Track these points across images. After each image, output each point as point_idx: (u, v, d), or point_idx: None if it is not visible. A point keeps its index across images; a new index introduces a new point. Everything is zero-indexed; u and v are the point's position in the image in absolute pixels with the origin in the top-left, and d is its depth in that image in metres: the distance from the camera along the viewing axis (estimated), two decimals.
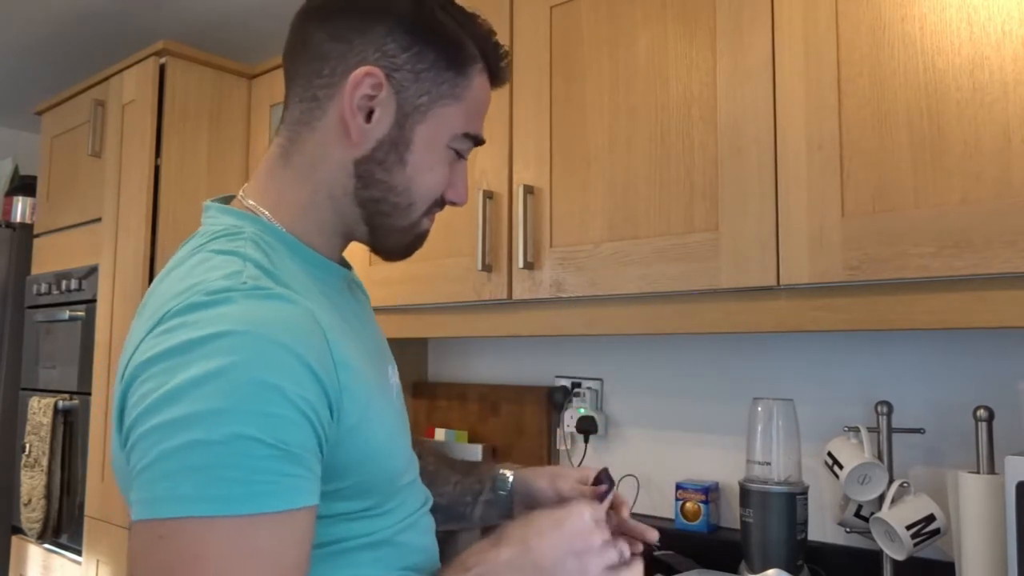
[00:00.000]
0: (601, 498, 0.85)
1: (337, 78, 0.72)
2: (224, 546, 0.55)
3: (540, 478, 0.96)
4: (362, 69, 0.70)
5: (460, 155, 0.78)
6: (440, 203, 0.80)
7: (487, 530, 0.80)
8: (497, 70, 0.78)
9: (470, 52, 0.75)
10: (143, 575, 0.56)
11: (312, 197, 0.74)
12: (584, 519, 0.69)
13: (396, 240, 0.79)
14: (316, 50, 0.74)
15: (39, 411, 2.37)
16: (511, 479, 0.98)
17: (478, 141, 0.79)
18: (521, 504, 0.96)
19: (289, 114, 0.77)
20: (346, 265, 0.83)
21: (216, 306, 0.60)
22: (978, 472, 1.20)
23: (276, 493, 0.56)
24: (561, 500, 0.90)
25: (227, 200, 0.77)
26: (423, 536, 0.79)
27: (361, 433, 0.67)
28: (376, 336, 0.88)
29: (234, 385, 0.56)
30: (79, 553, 2.26)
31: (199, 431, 0.55)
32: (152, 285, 0.70)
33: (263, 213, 0.73)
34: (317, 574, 0.64)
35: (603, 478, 0.90)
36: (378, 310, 2.01)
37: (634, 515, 1.76)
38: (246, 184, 0.78)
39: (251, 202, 0.74)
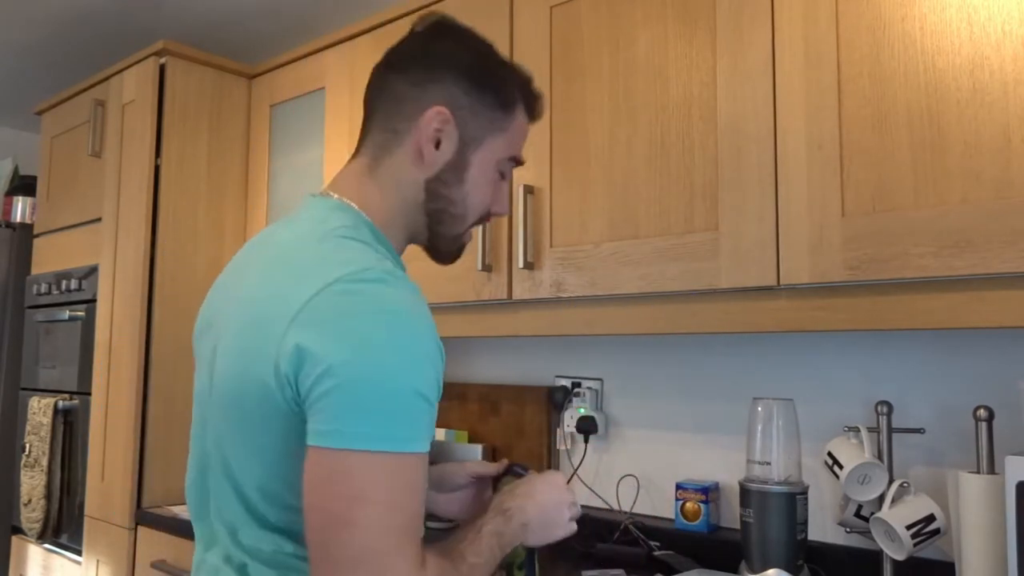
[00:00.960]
0: (517, 473, 1.07)
1: (414, 115, 0.90)
2: (396, 470, 0.75)
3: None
4: (434, 108, 0.89)
5: (503, 175, 0.97)
6: (486, 216, 0.98)
7: None
8: (533, 108, 0.98)
9: (513, 95, 0.95)
10: (344, 490, 0.73)
11: (393, 205, 0.92)
12: (561, 477, 0.94)
13: (447, 246, 0.98)
14: (395, 93, 0.92)
15: (39, 411, 2.37)
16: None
17: (519, 162, 0.98)
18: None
19: (371, 140, 0.94)
20: (446, 264, 1.05)
21: (380, 283, 0.78)
22: (978, 472, 1.20)
23: (423, 437, 0.78)
24: (471, 477, 1.12)
25: (327, 196, 0.94)
26: None
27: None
28: None
29: (412, 352, 0.76)
30: (79, 553, 2.26)
31: (390, 384, 0.74)
32: (281, 252, 0.86)
33: (361, 214, 0.91)
34: None
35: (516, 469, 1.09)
36: None
37: (634, 515, 1.77)
38: (331, 187, 0.94)
39: (351, 203, 0.91)
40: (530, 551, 1.30)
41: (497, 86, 0.93)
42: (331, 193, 0.92)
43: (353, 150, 0.97)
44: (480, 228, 1.64)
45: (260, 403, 0.79)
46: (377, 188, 0.92)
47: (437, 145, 0.90)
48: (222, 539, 0.86)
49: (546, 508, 0.94)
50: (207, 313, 0.95)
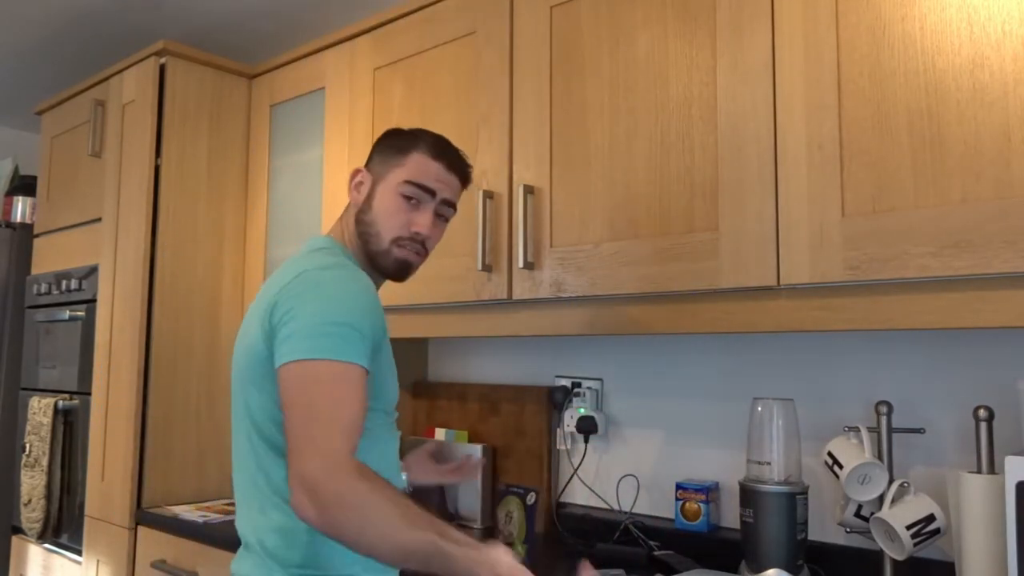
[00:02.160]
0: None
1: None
2: (334, 374, 1.04)
3: (418, 473, 1.55)
4: (355, 169, 1.30)
5: (410, 199, 1.24)
6: (410, 236, 1.25)
7: None
8: (432, 146, 1.27)
9: (409, 145, 1.27)
10: (299, 388, 1.04)
11: (347, 235, 1.29)
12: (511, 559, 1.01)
13: (381, 260, 1.25)
14: None
15: (39, 411, 2.37)
16: (406, 481, 1.50)
17: (423, 188, 1.25)
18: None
19: None
20: (394, 280, 1.32)
21: (334, 270, 1.14)
22: (978, 472, 1.20)
23: (354, 353, 1.06)
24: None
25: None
26: (393, 450, 1.25)
27: (385, 355, 1.19)
28: None
29: (346, 301, 1.09)
30: (79, 553, 2.26)
31: (330, 317, 1.06)
32: (280, 271, 1.20)
33: (337, 242, 1.28)
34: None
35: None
36: None
37: (634, 515, 1.77)
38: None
39: (331, 235, 1.30)
40: (530, 549, 1.32)
41: (391, 140, 1.29)
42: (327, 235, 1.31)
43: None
44: (480, 228, 1.64)
45: (257, 353, 1.13)
46: (341, 225, 1.29)
47: (358, 187, 1.28)
48: (261, 486, 1.14)
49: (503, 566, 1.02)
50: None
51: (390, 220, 1.24)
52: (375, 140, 1.33)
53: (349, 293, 1.11)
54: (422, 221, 1.25)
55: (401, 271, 1.27)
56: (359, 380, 1.05)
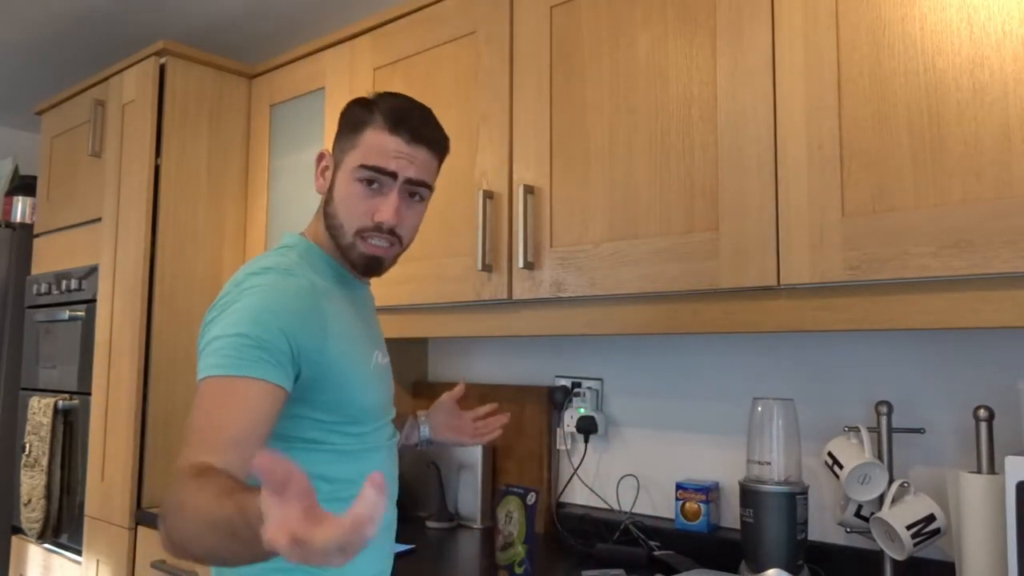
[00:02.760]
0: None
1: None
2: (217, 389, 0.95)
3: (439, 428, 1.46)
4: (321, 150, 1.17)
5: (370, 183, 1.10)
6: (375, 227, 1.11)
7: None
8: (389, 116, 1.10)
9: (361, 118, 1.12)
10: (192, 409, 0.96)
11: (318, 230, 1.17)
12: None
13: (349, 255, 1.13)
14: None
15: (39, 411, 2.37)
16: (428, 432, 1.45)
17: (381, 170, 1.10)
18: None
19: None
20: (366, 277, 1.21)
21: (264, 274, 1.04)
22: (978, 472, 1.20)
23: (249, 367, 0.95)
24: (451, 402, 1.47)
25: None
26: (374, 467, 1.11)
27: (338, 365, 1.05)
28: (372, 325, 1.23)
29: (251, 312, 0.98)
30: (79, 553, 2.26)
31: (227, 331, 0.97)
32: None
33: (304, 238, 1.17)
34: (299, 460, 0.91)
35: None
36: (380, 310, 2.01)
37: (634, 515, 1.77)
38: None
39: (302, 233, 1.19)
40: (530, 549, 1.32)
41: (347, 118, 1.14)
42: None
43: None
44: (480, 228, 1.64)
45: None
46: (316, 219, 1.18)
47: (322, 175, 1.16)
48: None
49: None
50: None
51: (351, 210, 1.11)
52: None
53: (259, 303, 0.99)
54: (385, 209, 1.10)
55: (370, 267, 1.14)
56: (247, 393, 0.94)
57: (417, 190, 1.13)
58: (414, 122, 1.11)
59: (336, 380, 1.05)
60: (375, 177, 1.10)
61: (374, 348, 1.17)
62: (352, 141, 1.11)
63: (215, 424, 0.92)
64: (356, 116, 1.12)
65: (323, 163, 1.16)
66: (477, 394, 2.10)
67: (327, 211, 1.13)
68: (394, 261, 1.17)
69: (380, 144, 1.09)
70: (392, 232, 1.11)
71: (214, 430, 0.92)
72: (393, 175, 1.10)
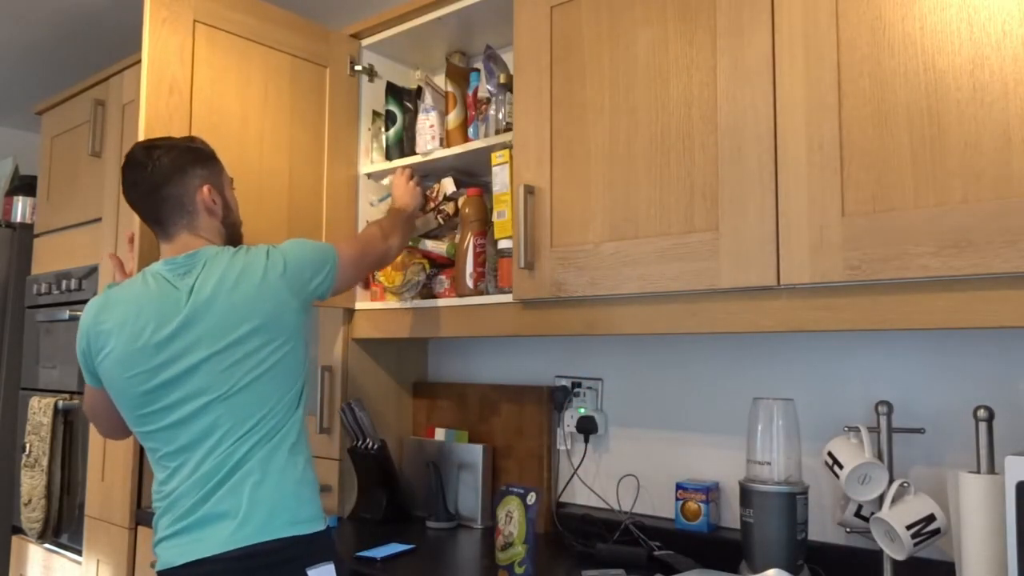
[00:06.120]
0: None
1: (193, 196, 1.44)
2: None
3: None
4: (205, 187, 1.44)
5: (233, 188, 1.55)
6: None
7: None
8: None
9: (210, 150, 1.51)
10: None
11: (212, 240, 1.49)
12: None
13: (239, 240, 1.53)
14: (170, 197, 1.42)
15: (39, 411, 2.37)
16: None
17: (230, 177, 1.55)
18: None
19: (175, 224, 1.43)
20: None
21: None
22: (978, 472, 1.20)
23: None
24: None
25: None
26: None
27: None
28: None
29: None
30: (79, 553, 2.26)
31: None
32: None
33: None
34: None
35: None
36: (380, 310, 2.01)
37: (634, 515, 1.77)
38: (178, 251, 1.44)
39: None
40: (530, 549, 1.32)
41: (207, 151, 1.48)
42: (190, 250, 1.41)
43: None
44: None
45: None
46: (204, 240, 1.43)
47: (214, 202, 1.45)
48: None
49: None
50: None
51: (237, 212, 1.54)
52: (172, 159, 1.43)
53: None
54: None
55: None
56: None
57: None
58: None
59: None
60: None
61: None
62: (221, 167, 1.50)
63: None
64: (209, 149, 1.50)
65: (213, 192, 1.45)
66: (477, 394, 2.10)
67: (227, 220, 1.49)
68: None
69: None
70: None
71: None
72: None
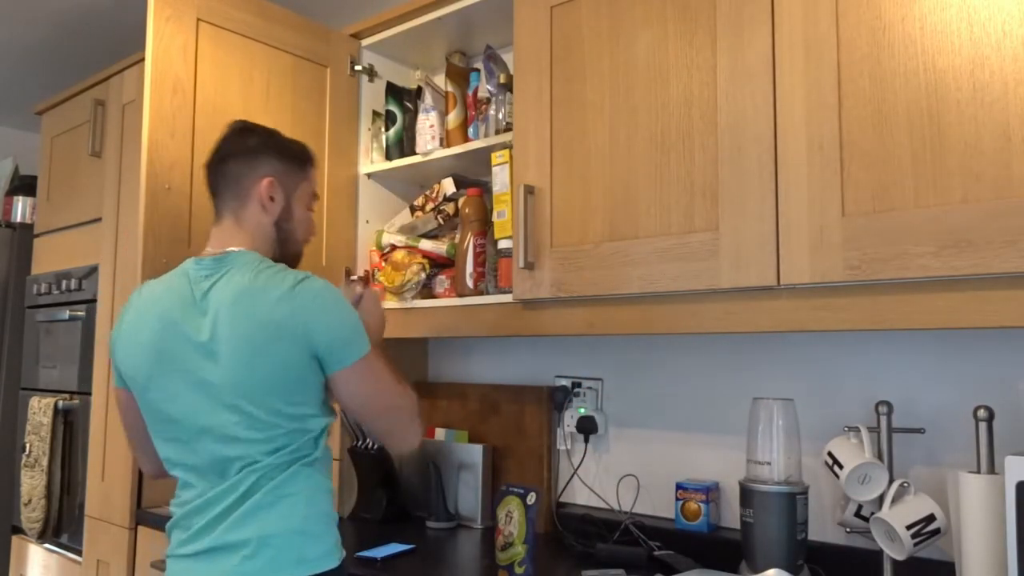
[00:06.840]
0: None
1: (252, 185, 1.37)
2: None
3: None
4: (266, 179, 1.37)
5: (310, 209, 1.45)
6: (307, 240, 1.46)
7: None
8: (312, 161, 1.46)
9: (305, 157, 1.44)
10: None
11: (256, 239, 1.38)
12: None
13: (292, 262, 1.41)
14: (232, 175, 1.37)
15: (39, 411, 2.37)
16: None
17: (317, 197, 1.48)
18: None
19: (227, 207, 1.38)
20: None
21: (309, 279, 1.30)
22: (978, 472, 1.20)
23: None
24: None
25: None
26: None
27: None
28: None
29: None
30: (79, 553, 2.26)
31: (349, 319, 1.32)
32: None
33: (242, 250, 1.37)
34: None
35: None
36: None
37: (634, 515, 1.77)
38: (218, 245, 1.38)
39: (241, 248, 1.37)
40: (530, 549, 1.32)
41: (297, 155, 1.43)
42: (227, 248, 1.34)
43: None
44: None
45: None
46: (248, 235, 1.36)
47: (272, 199, 1.37)
48: None
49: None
50: None
51: (302, 227, 1.44)
52: (256, 140, 1.40)
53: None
54: (313, 227, 1.48)
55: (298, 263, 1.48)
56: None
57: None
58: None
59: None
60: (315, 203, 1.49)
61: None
62: (304, 175, 1.43)
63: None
64: (302, 154, 1.44)
65: (275, 188, 1.38)
66: (477, 394, 2.10)
67: (280, 226, 1.39)
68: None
69: (315, 178, 1.48)
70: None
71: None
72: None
